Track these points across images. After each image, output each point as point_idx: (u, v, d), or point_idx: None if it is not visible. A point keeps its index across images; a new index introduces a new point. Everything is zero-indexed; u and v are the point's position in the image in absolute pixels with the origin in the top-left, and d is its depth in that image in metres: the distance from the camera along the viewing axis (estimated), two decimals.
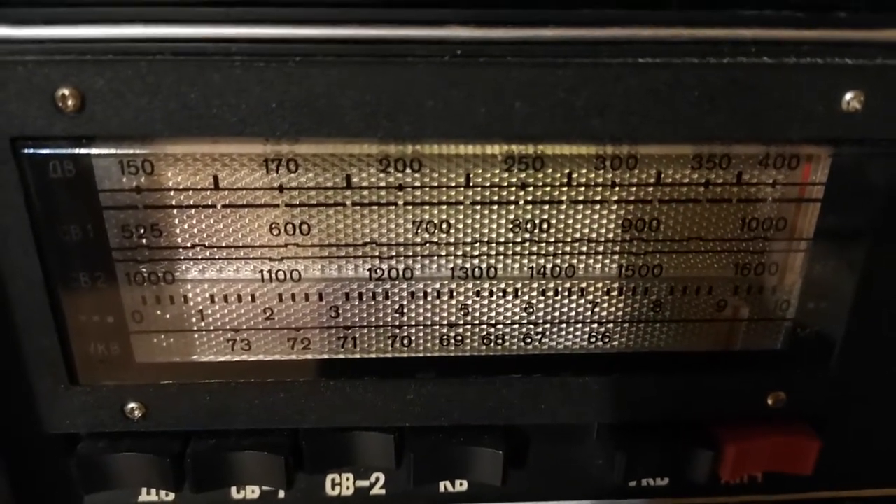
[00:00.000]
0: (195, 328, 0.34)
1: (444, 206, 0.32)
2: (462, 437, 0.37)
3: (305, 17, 0.28)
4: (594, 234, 0.33)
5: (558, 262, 0.34)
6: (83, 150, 0.30)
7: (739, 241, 0.34)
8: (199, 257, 0.33)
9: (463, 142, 0.31)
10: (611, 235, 0.33)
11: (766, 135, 0.31)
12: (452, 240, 0.33)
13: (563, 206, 0.33)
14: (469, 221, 0.33)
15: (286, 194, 0.32)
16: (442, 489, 0.40)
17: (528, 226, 0.33)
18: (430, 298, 0.34)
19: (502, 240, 0.33)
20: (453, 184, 0.32)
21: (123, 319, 0.33)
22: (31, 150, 0.29)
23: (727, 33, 0.29)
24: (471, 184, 0.32)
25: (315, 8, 0.28)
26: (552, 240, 0.33)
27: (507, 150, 0.31)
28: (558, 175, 0.32)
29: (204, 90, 0.28)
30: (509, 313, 0.35)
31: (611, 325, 0.35)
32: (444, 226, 0.33)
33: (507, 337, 0.35)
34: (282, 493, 0.39)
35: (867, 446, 0.40)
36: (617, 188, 0.32)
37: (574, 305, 0.35)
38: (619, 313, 0.35)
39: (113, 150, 0.30)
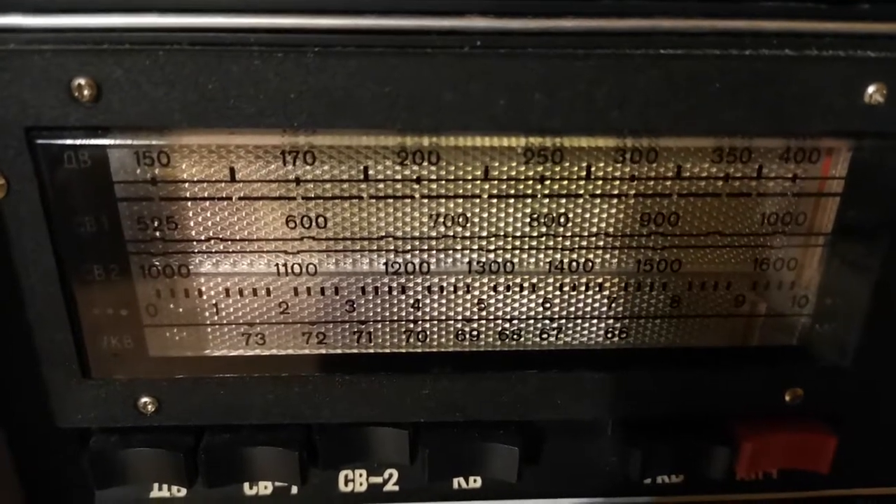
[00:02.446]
0: (209, 322, 0.34)
1: (461, 200, 0.32)
2: (477, 433, 0.36)
3: (324, 6, 0.28)
4: (612, 229, 0.33)
5: (575, 256, 0.34)
6: (99, 141, 0.29)
7: (758, 235, 0.33)
8: (214, 250, 0.32)
9: (481, 134, 0.31)
10: (629, 230, 0.33)
11: (788, 128, 0.31)
12: (469, 234, 0.33)
13: (581, 200, 0.32)
14: (486, 215, 0.33)
15: (302, 187, 0.31)
16: (456, 485, 0.40)
17: (546, 220, 0.33)
18: (446, 293, 0.34)
19: (519, 234, 0.33)
20: (470, 177, 0.32)
21: (137, 313, 0.33)
22: (46, 141, 0.29)
23: (749, 25, 0.29)
24: (488, 177, 0.32)
25: None
26: (569, 234, 0.33)
27: (527, 143, 0.31)
28: (576, 168, 0.32)
29: (222, 81, 0.28)
30: (525, 308, 0.35)
31: (627, 321, 0.35)
32: (461, 219, 0.32)
33: (523, 332, 0.35)
34: (295, 489, 0.39)
35: (884, 444, 0.39)
36: (636, 182, 0.32)
37: (591, 301, 0.35)
38: (636, 309, 0.35)
39: (129, 141, 0.30)
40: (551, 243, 0.33)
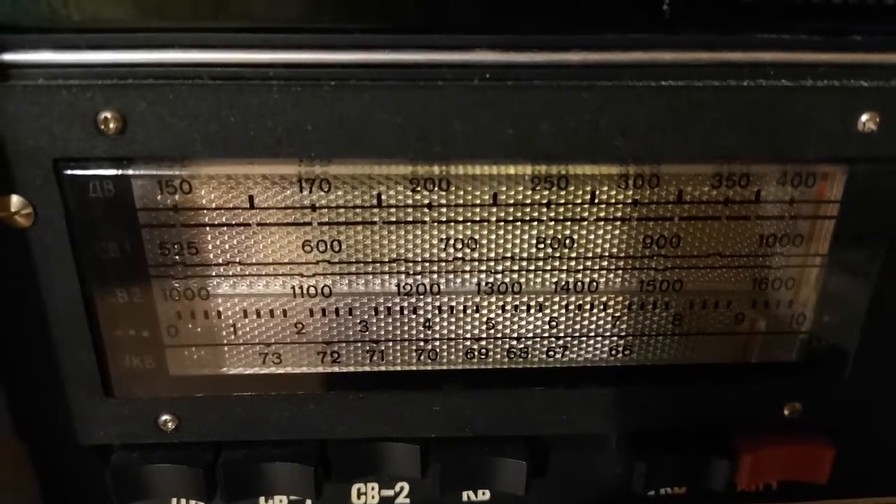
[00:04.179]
0: (228, 342, 0.35)
1: (471, 224, 0.33)
2: (486, 448, 0.38)
3: (339, 42, 0.29)
4: (616, 251, 0.34)
5: (581, 277, 0.35)
6: (123, 171, 0.31)
7: (757, 256, 0.35)
8: (233, 273, 0.34)
9: (490, 162, 0.32)
10: (632, 252, 0.34)
11: (785, 154, 0.32)
12: (478, 256, 0.34)
13: (586, 224, 0.34)
14: (494, 237, 0.34)
15: (318, 213, 0.32)
16: (465, 498, 0.41)
17: (552, 242, 0.34)
18: (455, 313, 0.35)
19: (526, 256, 0.34)
20: (479, 202, 0.33)
21: (159, 334, 0.34)
22: (73, 171, 0.30)
23: (746, 56, 0.30)
24: (497, 202, 0.33)
25: (349, 34, 0.29)
26: (575, 256, 0.34)
27: (533, 170, 0.32)
28: (581, 193, 0.33)
29: (242, 113, 0.29)
30: (533, 327, 0.36)
31: (631, 339, 0.36)
32: (471, 242, 0.34)
33: (530, 350, 0.36)
34: (309, 503, 0.40)
35: (882, 455, 0.40)
36: (638, 206, 0.33)
37: (596, 319, 0.36)
38: (640, 326, 0.36)
39: (152, 171, 0.31)
40: (557, 264, 0.34)
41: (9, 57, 0.28)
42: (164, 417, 0.35)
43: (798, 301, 0.36)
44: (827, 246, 0.34)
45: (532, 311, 0.35)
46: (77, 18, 0.28)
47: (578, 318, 0.36)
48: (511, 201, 0.33)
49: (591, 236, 0.34)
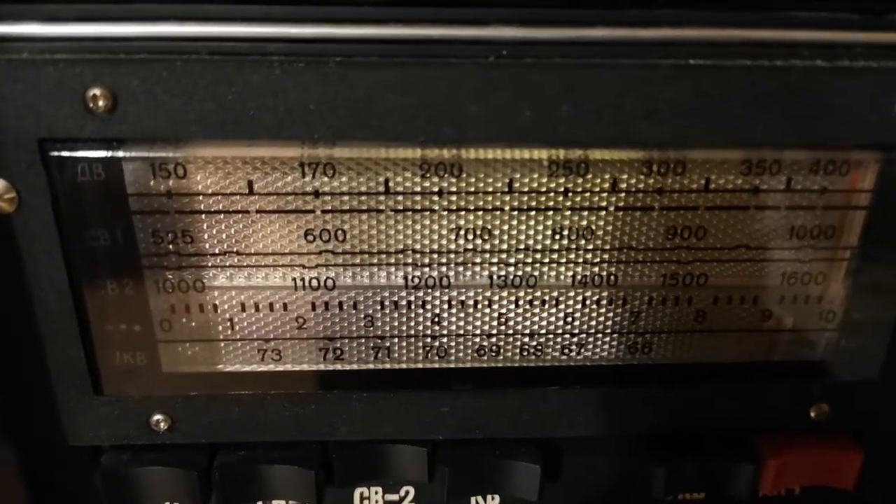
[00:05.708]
0: (225, 337, 0.33)
1: (483, 213, 0.31)
2: (497, 451, 0.36)
3: (346, 16, 0.27)
4: (636, 242, 0.32)
5: (598, 270, 0.33)
6: (113, 153, 0.29)
7: (785, 249, 0.33)
8: (230, 264, 0.32)
9: (505, 146, 0.30)
10: (654, 243, 0.32)
11: (817, 140, 0.30)
12: (490, 247, 0.32)
13: (605, 213, 0.32)
14: (507, 228, 0.32)
15: (321, 200, 0.31)
16: (474, 503, 0.39)
17: (569, 233, 0.32)
18: (466, 307, 0.33)
19: (541, 247, 0.32)
20: (493, 189, 0.31)
21: (151, 328, 0.32)
22: (60, 153, 0.28)
23: (780, 35, 0.29)
24: (512, 189, 0.31)
25: (356, 7, 0.27)
26: (593, 247, 0.32)
27: (551, 155, 0.30)
28: (600, 181, 0.31)
29: (241, 91, 0.27)
30: (547, 323, 0.34)
31: (651, 336, 0.34)
32: (483, 232, 0.32)
33: (544, 347, 0.34)
34: None
35: None
36: (662, 195, 0.31)
37: (614, 315, 0.34)
38: (660, 323, 0.34)
39: (144, 153, 0.29)
40: (574, 257, 0.33)
41: None
42: (157, 417, 0.34)
43: (827, 297, 0.34)
44: (858, 239, 0.33)
45: (547, 306, 0.34)
46: None
47: (595, 314, 0.34)
48: (526, 189, 0.31)
49: (611, 227, 0.32)
